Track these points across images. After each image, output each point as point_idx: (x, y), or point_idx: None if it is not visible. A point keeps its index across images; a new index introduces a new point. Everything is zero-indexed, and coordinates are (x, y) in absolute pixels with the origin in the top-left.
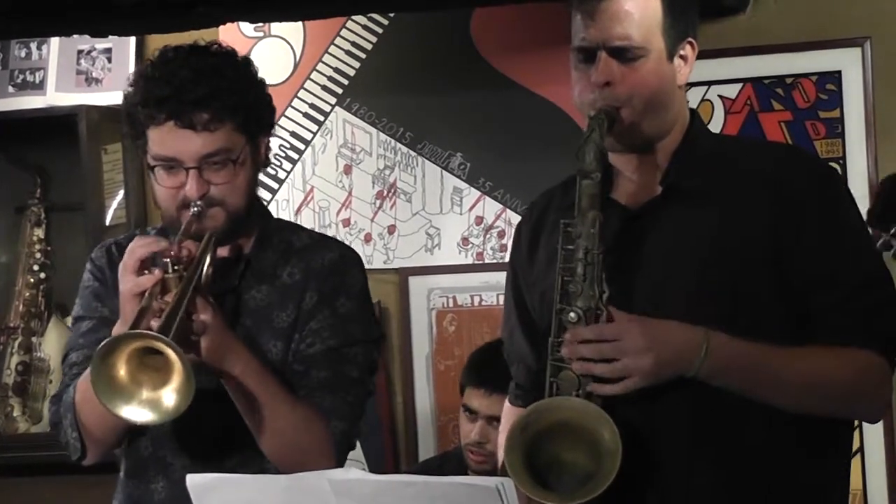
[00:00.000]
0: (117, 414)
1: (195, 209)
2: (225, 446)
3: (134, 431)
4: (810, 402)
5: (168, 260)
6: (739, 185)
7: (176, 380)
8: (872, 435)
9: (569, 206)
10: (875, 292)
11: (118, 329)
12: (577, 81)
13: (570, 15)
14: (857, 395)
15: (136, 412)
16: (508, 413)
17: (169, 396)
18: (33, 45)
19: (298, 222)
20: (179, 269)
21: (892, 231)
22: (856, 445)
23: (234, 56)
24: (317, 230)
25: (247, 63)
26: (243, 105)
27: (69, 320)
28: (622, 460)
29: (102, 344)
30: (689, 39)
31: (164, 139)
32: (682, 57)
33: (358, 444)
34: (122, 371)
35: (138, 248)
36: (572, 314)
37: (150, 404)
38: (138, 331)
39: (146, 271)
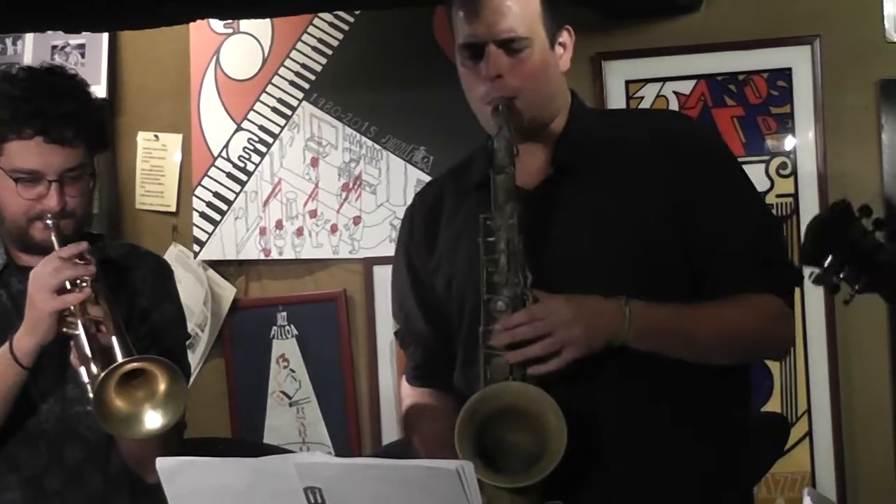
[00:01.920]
0: (140, 436)
1: (51, 221)
2: None
3: None
4: (724, 351)
5: (85, 279)
6: (628, 157)
7: (164, 382)
8: (820, 421)
9: (465, 189)
10: (766, 240)
11: (26, 336)
12: (466, 77)
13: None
14: (764, 338)
15: (153, 421)
16: (409, 393)
17: (166, 397)
18: (8, 41)
19: (267, 213)
20: (89, 286)
21: (826, 265)
22: (804, 430)
23: (82, 80)
24: (284, 221)
25: (87, 85)
26: (95, 124)
27: None
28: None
29: (94, 397)
30: (566, 27)
31: (30, 153)
32: (561, 44)
33: (324, 427)
34: (118, 402)
35: (62, 270)
36: (500, 303)
37: (159, 409)
38: (112, 368)
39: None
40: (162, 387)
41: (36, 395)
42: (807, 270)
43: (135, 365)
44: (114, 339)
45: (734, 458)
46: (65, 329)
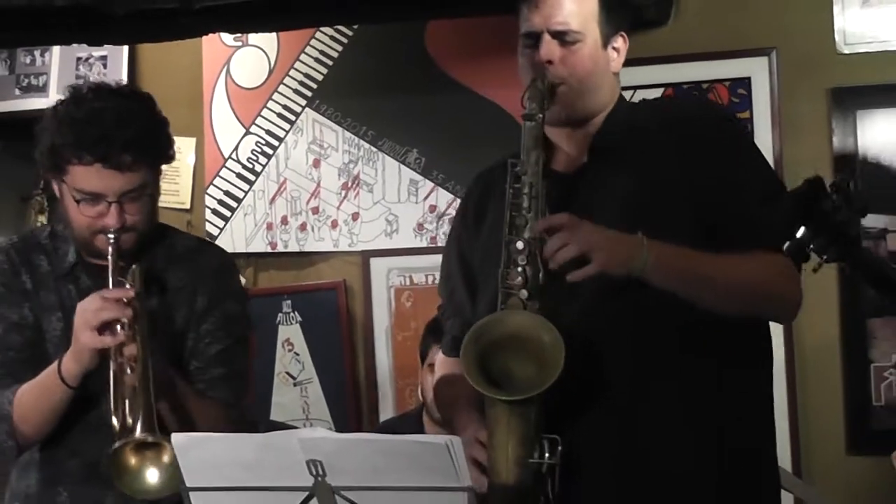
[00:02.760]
0: (139, 493)
1: (112, 237)
2: None
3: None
4: (737, 300)
5: (125, 321)
6: (650, 139)
7: (168, 455)
8: (776, 396)
9: (515, 176)
10: (775, 202)
11: (72, 363)
12: (523, 64)
13: (513, 26)
14: (780, 293)
15: (152, 477)
16: (443, 363)
17: (170, 466)
18: (37, 53)
19: (273, 210)
20: (128, 328)
21: (799, 235)
22: None
23: (147, 99)
24: (289, 217)
25: (153, 103)
26: (156, 146)
27: None
28: (565, 366)
29: (109, 463)
30: (621, 33)
31: (90, 177)
32: (615, 48)
33: (325, 405)
34: (132, 460)
35: (104, 310)
36: (519, 243)
37: (159, 470)
38: (134, 439)
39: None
40: (166, 459)
41: (96, 389)
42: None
43: (150, 438)
44: (140, 399)
45: (751, 418)
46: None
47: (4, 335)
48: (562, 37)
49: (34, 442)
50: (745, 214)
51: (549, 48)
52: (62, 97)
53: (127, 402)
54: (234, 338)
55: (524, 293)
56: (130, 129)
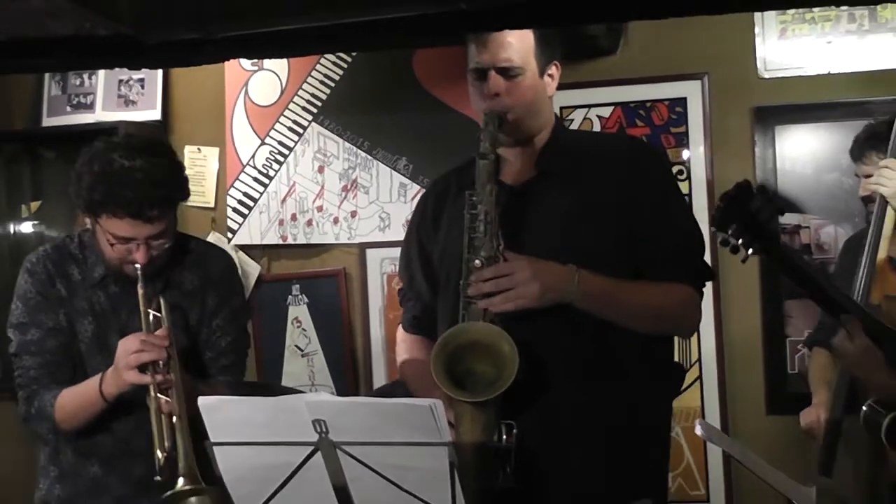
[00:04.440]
0: None
1: (139, 270)
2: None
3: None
4: (646, 321)
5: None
6: (593, 167)
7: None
8: (708, 368)
9: (467, 183)
10: (688, 242)
11: (112, 386)
12: (473, 94)
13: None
14: (679, 316)
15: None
16: (404, 338)
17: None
18: (85, 76)
19: (284, 209)
20: (163, 365)
21: (730, 231)
22: (696, 375)
23: (169, 153)
24: (298, 214)
25: (174, 154)
26: (177, 197)
27: None
28: (519, 369)
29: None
30: (555, 62)
31: (123, 227)
32: (549, 75)
33: (328, 373)
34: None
35: (144, 353)
36: (477, 261)
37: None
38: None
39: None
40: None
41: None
42: (719, 236)
43: (189, 487)
44: (178, 438)
45: (654, 393)
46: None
47: (42, 340)
48: (506, 72)
49: (71, 434)
50: (664, 253)
51: (496, 82)
52: (98, 146)
53: (167, 430)
54: (240, 329)
55: (481, 304)
56: (156, 190)
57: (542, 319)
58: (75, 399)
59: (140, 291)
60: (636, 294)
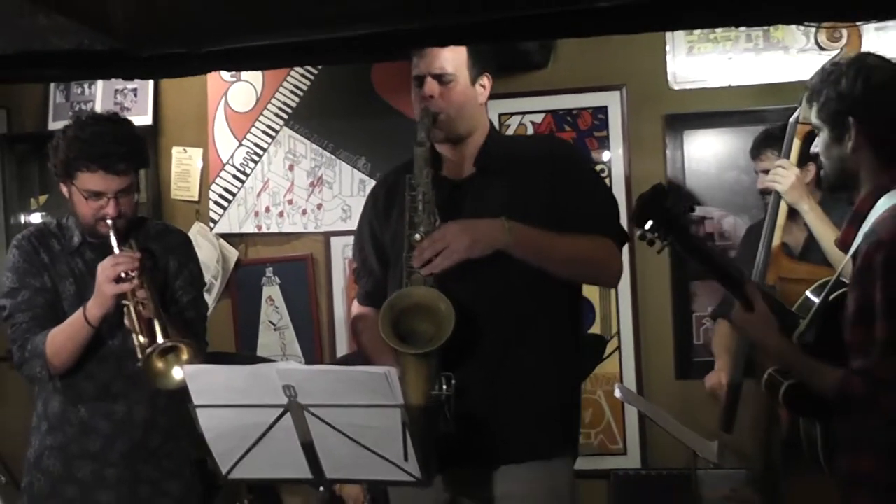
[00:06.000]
0: (171, 386)
1: (110, 222)
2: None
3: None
4: (577, 267)
5: (133, 272)
6: (524, 164)
7: (187, 353)
8: (626, 339)
9: (410, 187)
10: (609, 212)
11: (95, 308)
12: (414, 98)
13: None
14: (604, 264)
15: (178, 374)
16: (358, 310)
17: (186, 357)
18: (86, 85)
19: (259, 202)
20: (137, 277)
21: (647, 227)
22: (615, 345)
23: (130, 124)
24: (271, 206)
25: (133, 126)
26: (140, 157)
27: None
28: (455, 325)
29: (143, 365)
30: (486, 73)
31: (95, 180)
32: (481, 85)
33: (297, 345)
34: (160, 364)
35: (119, 265)
36: (417, 235)
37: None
38: (162, 345)
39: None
40: (185, 356)
41: (105, 330)
42: (637, 231)
43: (170, 343)
44: (155, 322)
45: (572, 360)
46: (123, 302)
47: (31, 298)
48: (440, 78)
49: (60, 372)
50: (589, 216)
51: (431, 86)
52: (68, 123)
53: (145, 327)
54: (198, 290)
55: (423, 271)
56: (123, 146)
57: (477, 280)
58: (63, 331)
59: (114, 242)
60: (565, 241)
